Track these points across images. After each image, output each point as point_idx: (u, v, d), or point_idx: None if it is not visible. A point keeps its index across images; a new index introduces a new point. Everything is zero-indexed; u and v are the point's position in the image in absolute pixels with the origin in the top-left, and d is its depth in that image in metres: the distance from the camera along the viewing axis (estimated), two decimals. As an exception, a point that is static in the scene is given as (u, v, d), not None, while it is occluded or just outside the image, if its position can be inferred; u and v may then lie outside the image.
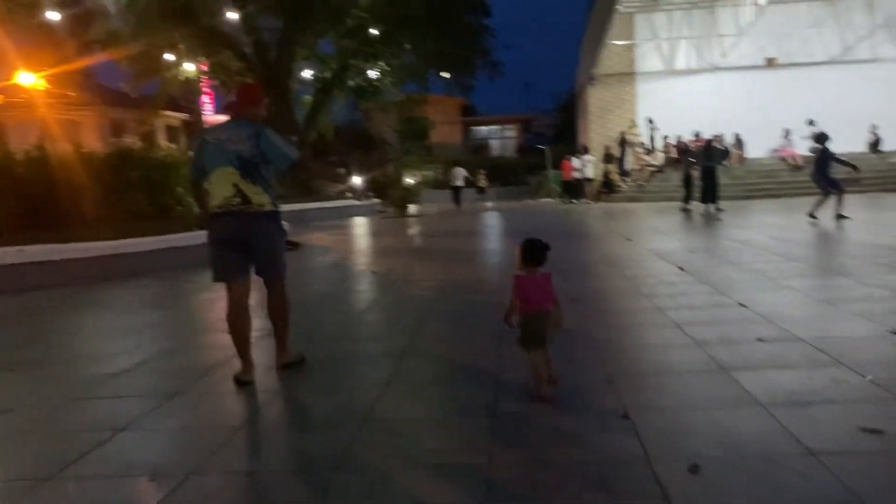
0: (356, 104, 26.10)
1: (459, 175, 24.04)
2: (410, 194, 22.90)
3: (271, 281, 4.64)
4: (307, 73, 24.46)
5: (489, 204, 26.66)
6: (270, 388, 4.52)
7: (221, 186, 4.37)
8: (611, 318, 6.18)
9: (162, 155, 12.92)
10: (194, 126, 41.60)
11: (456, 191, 23.74)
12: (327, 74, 23.57)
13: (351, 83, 23.57)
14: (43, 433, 3.89)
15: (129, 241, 10.62)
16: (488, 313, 6.00)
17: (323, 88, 23.63)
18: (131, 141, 13.78)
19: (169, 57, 22.55)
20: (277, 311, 4.68)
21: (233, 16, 21.25)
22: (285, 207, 17.24)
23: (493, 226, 18.19)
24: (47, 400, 4.44)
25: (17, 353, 5.84)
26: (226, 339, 4.70)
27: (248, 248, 4.44)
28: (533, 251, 3.90)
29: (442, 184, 29.63)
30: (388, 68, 23.71)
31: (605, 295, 7.24)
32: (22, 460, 3.52)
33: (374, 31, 22.39)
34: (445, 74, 25.68)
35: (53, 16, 18.88)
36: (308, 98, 25.11)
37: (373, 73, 23.70)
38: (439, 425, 3.70)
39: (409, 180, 26.41)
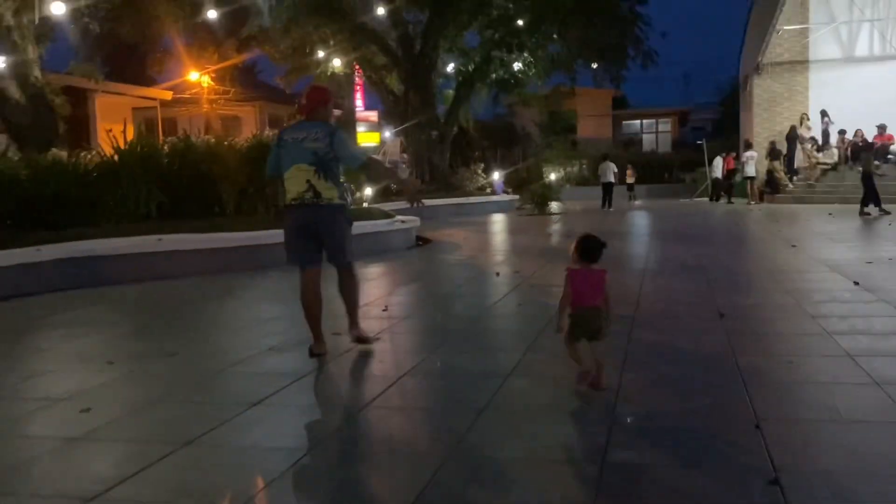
0: (498, 97, 25.53)
1: (609, 170, 22.66)
2: (551, 191, 22.01)
3: (340, 266, 5.12)
4: (449, 67, 24.19)
5: (638, 202, 25.23)
6: (350, 405, 4.04)
7: (296, 181, 4.80)
8: (765, 342, 5.20)
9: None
10: (347, 122, 43.03)
11: (606, 188, 22.41)
12: (470, 67, 23.15)
13: (494, 75, 23.01)
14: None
15: (262, 232, 10.64)
16: (622, 329, 5.21)
17: (465, 81, 23.24)
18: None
19: (319, 53, 23.02)
20: (348, 292, 5.21)
21: (380, 10, 21.35)
22: (425, 202, 17.05)
23: (640, 227, 17.02)
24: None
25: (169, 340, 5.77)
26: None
27: (318, 237, 4.90)
28: (587, 248, 3.96)
29: (587, 180, 28.43)
30: (533, 59, 22.93)
31: (760, 312, 6.21)
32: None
33: (519, 22, 21.73)
34: (594, 65, 24.52)
35: (212, 14, 19.67)
36: (450, 92, 24.86)
37: (517, 65, 23.03)
38: (532, 471, 3.03)
39: (551, 176, 25.55)
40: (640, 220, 18.60)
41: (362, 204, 14.77)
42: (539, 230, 15.68)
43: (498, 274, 8.76)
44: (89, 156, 10.94)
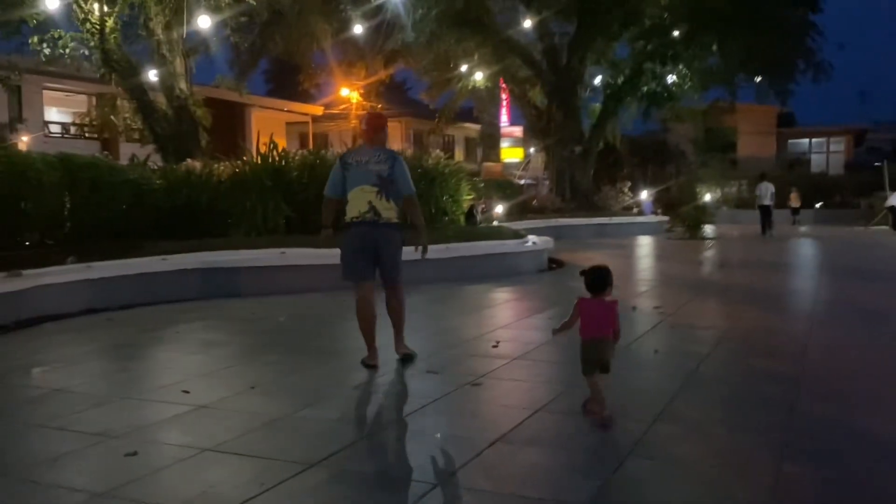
0: (649, 112, 24.01)
1: (766, 192, 20.57)
2: (705, 213, 20.25)
3: (391, 283, 5.33)
4: (597, 79, 23.04)
5: (803, 228, 22.82)
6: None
7: (359, 201, 5.08)
8: None
9: (429, 164, 12.46)
10: (491, 137, 42.67)
11: (764, 211, 20.33)
12: (619, 80, 21.89)
13: (645, 88, 21.62)
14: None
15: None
16: (781, 395, 4.12)
17: (613, 95, 22.00)
18: (437, 153, 13.49)
19: (461, 66, 22.69)
20: (395, 310, 5.38)
21: (525, 22, 20.68)
22: (561, 221, 15.96)
23: (805, 258, 15.14)
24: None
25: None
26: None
27: (375, 254, 5.15)
28: (592, 280, 3.98)
29: (747, 202, 26.16)
30: (689, 72, 21.32)
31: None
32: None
33: (675, 32, 20.27)
34: (758, 78, 22.51)
35: (358, 29, 19.82)
36: (596, 106, 23.67)
37: (671, 78, 21.50)
38: None
39: (706, 197, 23.67)
40: (805, 250, 16.62)
41: (492, 222, 14.06)
42: (689, 257, 14.26)
43: (635, 308, 7.69)
44: (221, 167, 10.96)
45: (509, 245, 11.53)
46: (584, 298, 3.98)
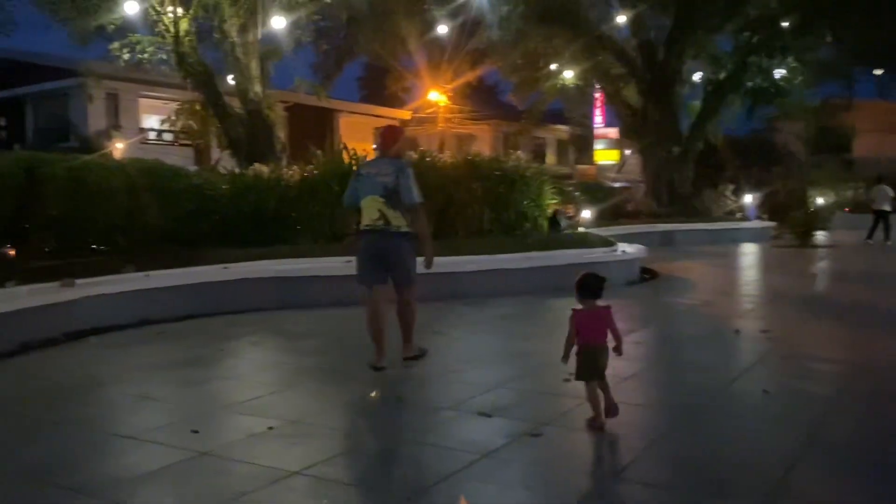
0: (754, 110, 22.27)
1: (884, 196, 18.52)
2: (817, 218, 18.45)
3: (402, 288, 5.38)
4: (696, 76, 21.52)
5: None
6: None
7: (370, 210, 5.25)
8: None
9: (510, 167, 11.61)
10: (584, 139, 41.29)
11: (879, 217, 18.29)
12: (720, 75, 20.34)
13: (749, 84, 19.99)
14: None
15: (460, 258, 9.44)
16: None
17: (714, 91, 20.45)
18: (518, 155, 12.68)
19: (551, 65, 21.71)
20: (404, 315, 5.42)
21: (619, 17, 19.52)
22: (657, 227, 14.71)
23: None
24: None
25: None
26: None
27: (386, 260, 5.28)
28: (585, 285, 3.95)
29: (864, 206, 23.89)
30: (800, 65, 19.54)
31: None
32: None
33: (784, 22, 18.60)
34: (878, 72, 20.46)
35: (443, 29, 19.20)
36: (696, 103, 22.14)
37: (779, 72, 19.78)
38: None
39: (818, 200, 21.73)
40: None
41: (577, 228, 13.04)
42: (800, 268, 12.78)
43: (737, 332, 6.58)
44: (290, 171, 10.49)
45: (596, 254, 10.52)
46: (577, 309, 3.94)
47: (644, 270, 11.22)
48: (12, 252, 8.46)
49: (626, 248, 11.07)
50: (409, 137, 5.66)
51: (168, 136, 25.25)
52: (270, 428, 3.95)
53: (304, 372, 5.44)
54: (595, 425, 3.83)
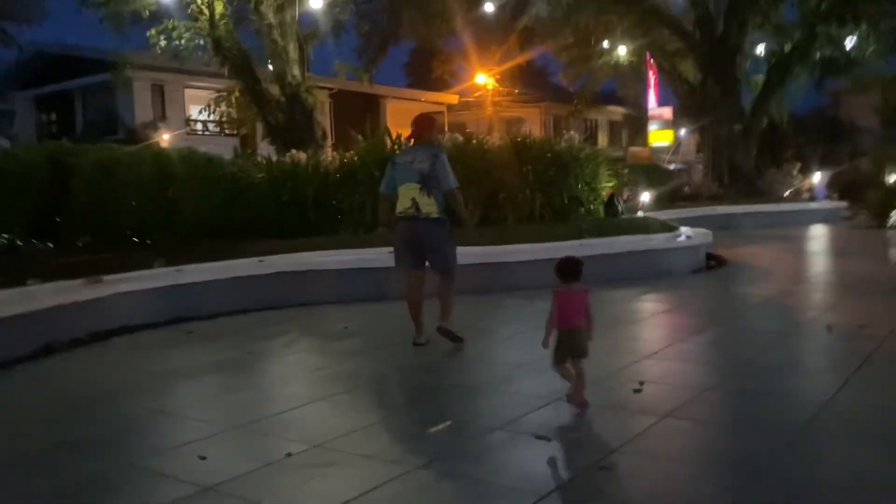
0: (821, 84, 20.86)
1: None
2: (894, 197, 17.12)
3: (440, 271, 5.57)
4: (759, 48, 20.22)
5: None
6: None
7: (404, 198, 5.46)
8: None
9: (561, 149, 10.85)
10: (637, 120, 39.89)
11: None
12: (786, 47, 19.04)
13: (818, 55, 18.67)
14: None
15: (509, 247, 8.78)
16: None
17: (778, 64, 19.16)
18: (570, 136, 11.92)
19: (602, 42, 20.71)
20: (443, 296, 5.56)
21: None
22: (719, 210, 13.72)
23: None
24: None
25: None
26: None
27: (420, 246, 5.49)
28: (565, 268, 4.01)
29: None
30: (873, 33, 18.14)
31: None
32: None
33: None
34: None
35: (489, 7, 18.40)
36: (759, 77, 20.85)
37: (850, 41, 18.41)
38: None
39: (894, 178, 20.27)
40: None
41: (636, 213, 12.20)
42: (882, 251, 11.70)
43: (830, 328, 5.76)
44: (330, 157, 9.94)
45: (657, 240, 9.71)
46: (558, 291, 3.98)
47: (709, 257, 10.34)
48: (43, 246, 8.16)
49: (690, 233, 10.22)
50: (440, 123, 5.93)
51: (214, 127, 25.14)
52: (289, 455, 3.37)
53: (339, 380, 4.86)
54: (576, 402, 3.89)
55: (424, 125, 5.81)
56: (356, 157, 9.89)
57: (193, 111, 25.18)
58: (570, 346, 3.89)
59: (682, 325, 6.38)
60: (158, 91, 23.98)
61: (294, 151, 10.06)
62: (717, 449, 3.43)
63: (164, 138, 21.67)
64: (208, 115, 22.15)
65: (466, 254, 8.62)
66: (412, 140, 5.93)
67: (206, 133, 24.76)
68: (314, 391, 4.54)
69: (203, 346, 6.05)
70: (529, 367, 4.88)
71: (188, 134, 23.68)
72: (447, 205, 5.49)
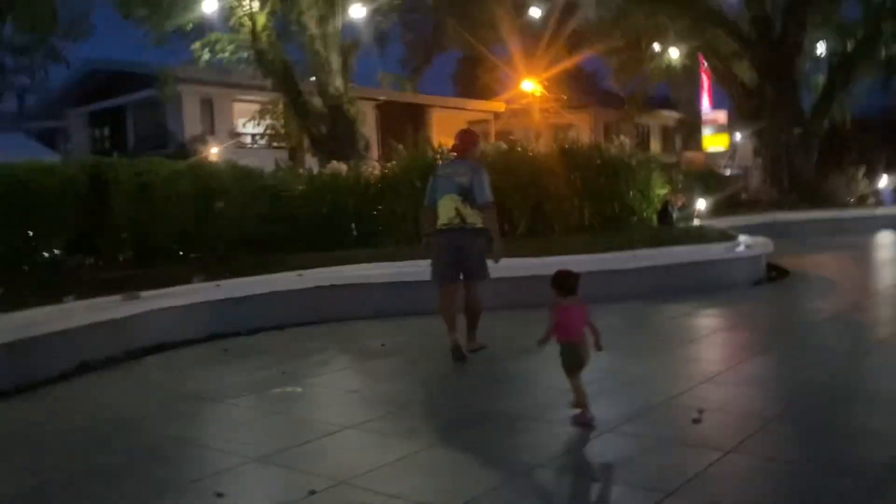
0: (888, 83, 19.87)
1: None
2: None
3: (473, 280, 5.69)
4: (819, 48, 19.37)
5: None
6: None
7: (447, 209, 5.58)
8: None
9: (612, 154, 10.42)
10: (691, 125, 38.90)
11: None
12: (848, 46, 18.19)
13: (883, 54, 17.77)
14: None
15: (550, 259, 8.39)
16: None
17: (841, 64, 18.33)
18: (621, 141, 11.52)
19: (654, 45, 20.15)
20: (471, 309, 5.72)
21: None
22: (779, 217, 13.01)
23: None
24: None
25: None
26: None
27: (460, 255, 5.58)
28: (561, 282, 4.01)
29: None
30: (944, 29, 17.22)
31: None
32: None
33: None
34: None
35: (536, 12, 18.07)
36: (819, 79, 19.99)
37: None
38: None
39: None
40: None
41: (692, 221, 11.66)
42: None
43: (911, 347, 5.25)
44: (370, 168, 9.73)
45: (715, 250, 9.19)
46: (558, 306, 3.98)
47: (770, 267, 9.77)
48: (84, 261, 8.12)
49: (750, 242, 9.67)
50: (482, 138, 6.75)
51: (262, 140, 25.32)
52: (312, 492, 3.09)
53: (372, 404, 4.57)
54: (584, 419, 3.81)
55: (468, 141, 5.95)
56: (397, 168, 9.65)
57: (242, 125, 25.41)
58: (576, 357, 3.90)
59: (744, 344, 5.90)
60: (207, 105, 24.26)
61: (334, 163, 9.88)
62: (788, 494, 3.02)
63: (213, 152, 21.86)
64: (253, 128, 22.26)
65: (511, 266, 8.31)
66: (454, 153, 6.06)
67: (255, 146, 24.94)
68: (346, 417, 4.26)
69: (237, 366, 5.84)
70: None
71: (237, 147, 23.86)
72: (484, 218, 5.60)
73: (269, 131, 21.16)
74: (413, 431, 3.86)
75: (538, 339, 4.04)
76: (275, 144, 24.69)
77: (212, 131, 23.82)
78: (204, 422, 4.37)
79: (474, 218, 5.53)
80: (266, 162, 11.37)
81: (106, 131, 26.76)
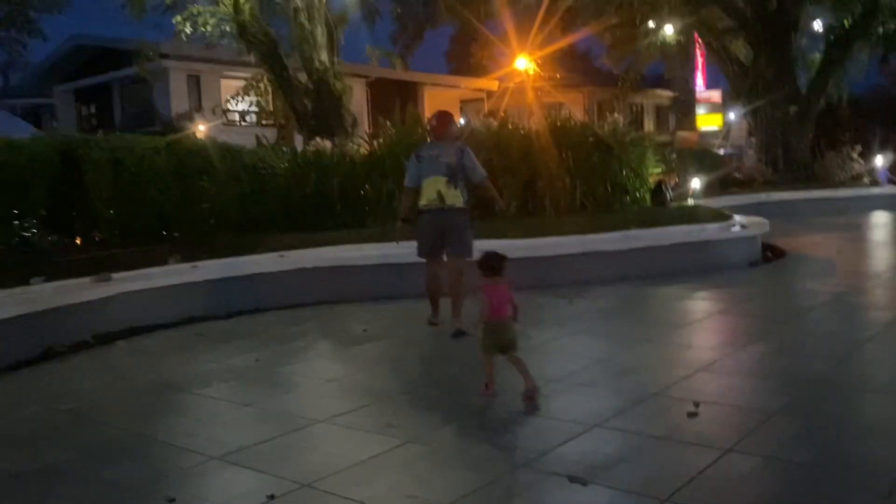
0: (884, 61, 19.52)
1: None
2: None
3: (456, 257, 5.77)
4: (816, 24, 18.99)
5: None
6: None
7: (429, 190, 5.75)
8: None
9: (604, 132, 10.11)
10: (685, 104, 38.53)
11: None
12: (846, 21, 17.83)
13: (881, 30, 17.42)
14: None
15: (543, 240, 8.15)
16: None
17: (838, 41, 17.98)
18: (614, 118, 11.20)
19: (648, 22, 19.73)
20: (453, 286, 5.75)
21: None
22: (774, 196, 12.81)
23: None
24: None
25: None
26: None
27: (443, 234, 5.77)
28: (487, 262, 4.17)
29: None
30: (943, 5, 16.87)
31: None
32: None
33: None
34: None
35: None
36: (815, 56, 19.64)
37: (916, 14, 17.15)
38: None
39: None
40: None
41: (686, 200, 11.39)
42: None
43: (915, 333, 5.01)
44: (357, 146, 9.41)
45: (710, 230, 8.94)
46: (486, 284, 4.12)
47: (766, 247, 9.52)
48: (57, 242, 7.80)
49: (745, 222, 9.42)
50: (456, 121, 6.97)
51: (251, 118, 24.86)
52: (270, 497, 2.83)
53: (349, 395, 4.32)
54: (487, 394, 4.02)
55: (446, 121, 6.09)
56: (384, 146, 9.34)
57: (230, 102, 24.91)
58: (496, 336, 4.02)
59: (741, 329, 5.65)
60: (195, 82, 23.79)
61: (317, 140, 9.54)
62: (794, 500, 2.77)
63: (200, 129, 21.43)
64: (236, 105, 21.79)
65: (500, 247, 8.04)
66: (435, 136, 6.12)
67: (243, 124, 24.48)
68: (319, 410, 3.99)
69: (210, 351, 5.57)
70: (565, 382, 4.26)
71: (224, 125, 23.40)
72: (481, 194, 6.03)
73: (254, 108, 20.68)
74: (389, 427, 3.59)
75: (476, 322, 4.18)
76: (263, 122, 24.29)
77: (199, 108, 23.34)
78: (167, 414, 4.09)
79: (454, 198, 5.68)
80: (252, 140, 11.03)
81: (93, 108, 26.24)
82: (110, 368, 5.20)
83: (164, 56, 21.76)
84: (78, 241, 7.63)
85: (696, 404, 3.67)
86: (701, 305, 6.70)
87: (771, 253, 9.41)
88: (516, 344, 4.02)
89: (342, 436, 3.58)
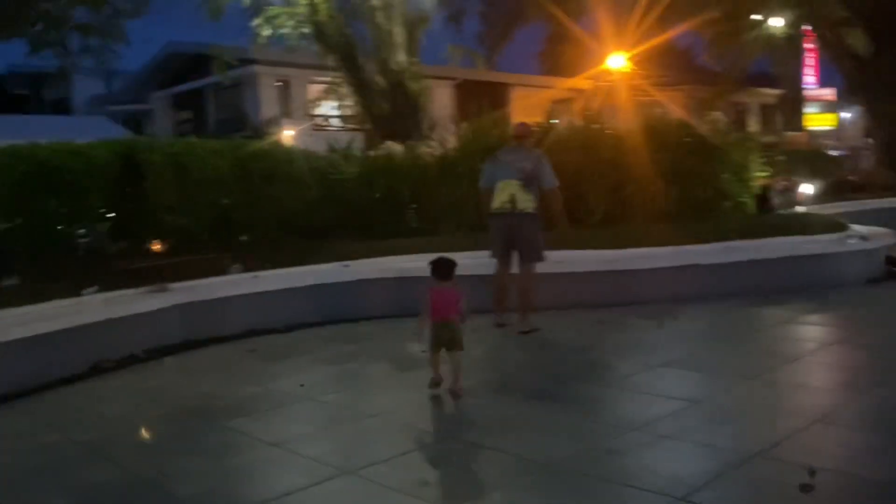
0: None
1: None
2: None
3: (526, 261, 5.99)
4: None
5: None
6: None
7: (503, 193, 5.89)
8: None
9: (703, 132, 9.18)
10: (793, 102, 36.22)
11: None
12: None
13: None
14: None
15: (626, 252, 7.38)
16: None
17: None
18: (715, 117, 10.32)
19: (754, 14, 18.41)
20: (523, 291, 5.99)
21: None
22: (893, 203, 11.32)
23: None
24: None
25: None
26: None
27: (513, 237, 5.94)
28: (437, 268, 4.39)
29: None
30: None
31: None
32: None
33: None
34: None
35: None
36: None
37: None
38: None
39: None
40: None
41: (795, 207, 10.27)
42: None
43: None
44: (429, 149, 8.89)
45: (823, 242, 7.89)
46: (432, 287, 4.31)
47: (890, 262, 8.36)
48: (117, 248, 7.64)
49: (864, 232, 8.30)
50: (537, 131, 7.39)
51: (338, 121, 24.89)
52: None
53: (391, 436, 3.74)
54: (434, 381, 4.28)
55: (524, 131, 6.32)
56: (458, 149, 8.78)
57: (319, 107, 25.01)
58: (441, 336, 4.24)
59: (864, 366, 4.72)
60: (283, 87, 24.00)
61: (388, 143, 9.09)
62: None
63: (288, 134, 21.53)
64: (330, 109, 21.78)
65: (583, 259, 7.37)
66: (515, 142, 6.27)
67: (330, 129, 24.54)
68: (350, 456, 3.44)
69: (256, 372, 5.15)
70: (647, 431, 3.53)
71: (313, 129, 23.50)
72: (546, 203, 6.03)
73: (339, 112, 20.61)
74: (423, 485, 2.99)
75: (419, 336, 4.34)
76: (350, 126, 24.24)
77: (288, 113, 23.53)
78: (183, 454, 3.62)
79: (526, 203, 5.84)
80: (341, 144, 10.75)
81: (188, 114, 26.97)
82: (146, 390, 4.83)
83: (253, 61, 22.12)
84: (151, 247, 7.43)
85: (812, 473, 2.89)
86: (813, 332, 5.78)
87: (895, 268, 8.28)
88: (461, 343, 4.24)
89: (363, 496, 3.00)
